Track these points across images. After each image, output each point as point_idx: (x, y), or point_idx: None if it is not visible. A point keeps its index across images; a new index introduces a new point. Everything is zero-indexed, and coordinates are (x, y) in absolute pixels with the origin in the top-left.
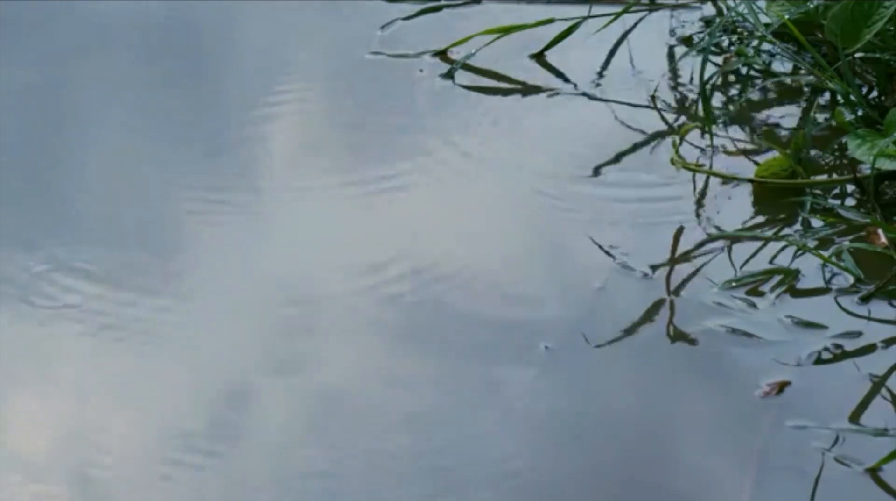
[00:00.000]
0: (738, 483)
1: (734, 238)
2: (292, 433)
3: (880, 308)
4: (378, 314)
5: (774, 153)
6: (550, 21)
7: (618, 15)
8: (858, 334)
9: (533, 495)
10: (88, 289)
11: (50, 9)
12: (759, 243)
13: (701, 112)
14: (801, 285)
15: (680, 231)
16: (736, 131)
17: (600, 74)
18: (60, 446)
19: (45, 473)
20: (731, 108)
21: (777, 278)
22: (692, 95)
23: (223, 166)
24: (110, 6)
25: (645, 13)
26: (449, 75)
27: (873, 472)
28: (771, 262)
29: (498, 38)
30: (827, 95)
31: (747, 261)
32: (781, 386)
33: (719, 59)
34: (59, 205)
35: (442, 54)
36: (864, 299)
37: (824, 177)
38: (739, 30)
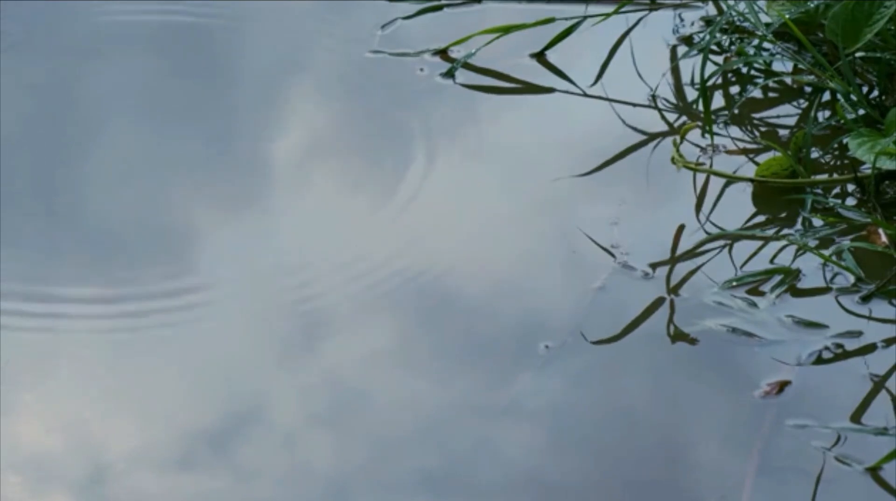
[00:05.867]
0: (738, 482)
1: (734, 238)
2: (298, 431)
3: (881, 308)
4: (379, 315)
5: (775, 153)
6: (550, 21)
7: (608, 15)
8: (859, 333)
9: (533, 493)
10: (92, 288)
11: (54, 9)
12: (759, 243)
13: (701, 112)
14: (801, 285)
15: (680, 231)
16: (736, 131)
17: (600, 74)
18: (62, 446)
19: (46, 473)
20: (731, 107)
21: (777, 278)
22: (692, 95)
23: (226, 165)
24: (112, 6)
25: (645, 13)
26: (449, 74)
27: (874, 471)
28: (771, 261)
29: (498, 37)
30: (827, 95)
31: (748, 260)
32: (781, 386)
33: (720, 59)
34: (63, 205)
35: (442, 53)
36: (865, 299)
37: (825, 176)
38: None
